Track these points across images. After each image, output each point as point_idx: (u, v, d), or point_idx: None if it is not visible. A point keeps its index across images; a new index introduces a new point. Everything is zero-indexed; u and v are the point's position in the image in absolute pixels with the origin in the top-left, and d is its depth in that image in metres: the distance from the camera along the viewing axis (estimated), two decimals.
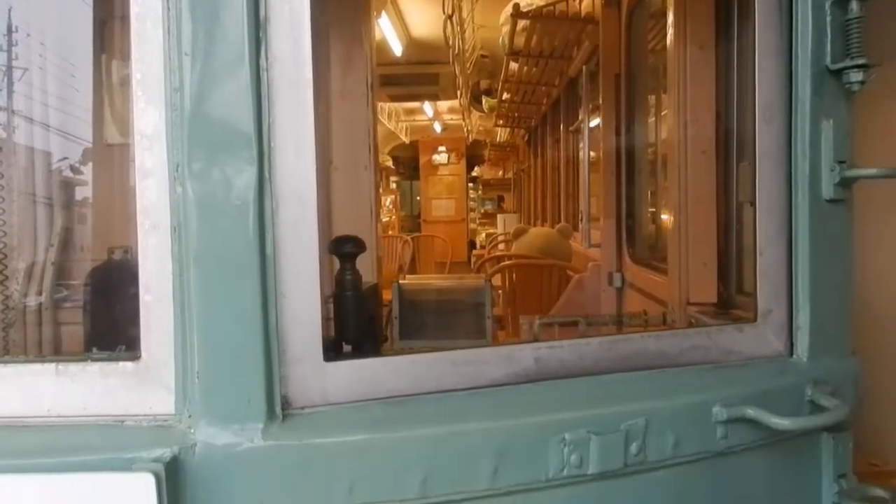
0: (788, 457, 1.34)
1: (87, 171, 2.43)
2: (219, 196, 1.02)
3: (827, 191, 1.32)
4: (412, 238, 9.24)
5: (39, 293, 2.06)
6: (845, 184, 1.31)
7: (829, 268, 1.36)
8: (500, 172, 15.11)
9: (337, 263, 1.40)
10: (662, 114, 3.04)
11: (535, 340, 1.28)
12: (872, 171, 1.30)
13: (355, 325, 1.33)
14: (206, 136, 1.01)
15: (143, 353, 1.03)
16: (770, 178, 1.36)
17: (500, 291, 4.35)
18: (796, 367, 1.36)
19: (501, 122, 9.15)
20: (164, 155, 1.02)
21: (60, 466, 0.95)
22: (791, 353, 1.38)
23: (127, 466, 0.95)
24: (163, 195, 1.02)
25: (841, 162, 1.31)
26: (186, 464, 0.98)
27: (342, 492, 1.02)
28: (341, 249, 1.34)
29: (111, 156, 2.10)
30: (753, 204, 1.40)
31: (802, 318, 1.37)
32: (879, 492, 1.35)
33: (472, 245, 11.89)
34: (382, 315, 1.73)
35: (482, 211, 14.59)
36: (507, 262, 4.38)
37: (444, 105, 10.25)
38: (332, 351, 1.13)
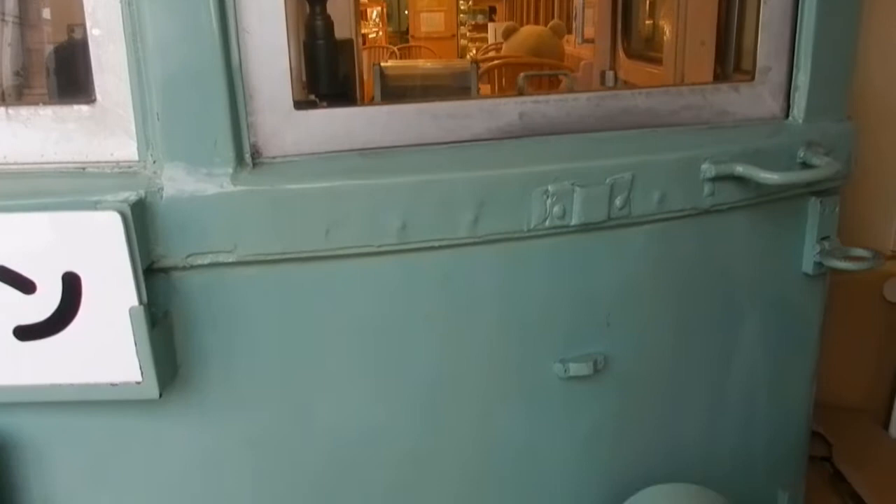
0: (774, 217, 1.33)
1: None
2: None
3: None
4: (399, 49, 8.83)
5: None
6: None
7: (836, 22, 1.27)
8: None
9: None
10: None
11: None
12: None
13: (328, 76, 1.24)
14: None
15: (98, 95, 0.96)
16: None
17: None
18: (791, 129, 1.31)
19: None
20: None
21: (22, 209, 0.91)
22: (787, 115, 1.33)
23: (91, 208, 0.91)
24: None
25: None
26: (154, 207, 0.95)
27: (318, 237, 1.00)
28: None
29: None
30: None
31: (802, 78, 1.30)
32: (861, 251, 1.35)
33: None
34: (359, 76, 1.64)
35: (472, 23, 13.88)
36: (495, 62, 4.19)
37: None
38: (305, 102, 1.06)
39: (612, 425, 1.30)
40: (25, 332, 0.95)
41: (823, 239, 1.39)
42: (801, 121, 1.31)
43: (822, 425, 2.14)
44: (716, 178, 1.19)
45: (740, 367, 1.42)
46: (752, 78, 1.30)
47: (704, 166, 1.18)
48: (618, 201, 1.13)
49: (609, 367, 1.24)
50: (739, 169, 1.18)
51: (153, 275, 0.98)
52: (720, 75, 2.04)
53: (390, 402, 1.14)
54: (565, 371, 1.20)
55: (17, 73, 1.74)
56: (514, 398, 1.21)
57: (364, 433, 1.15)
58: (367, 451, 1.15)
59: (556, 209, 1.10)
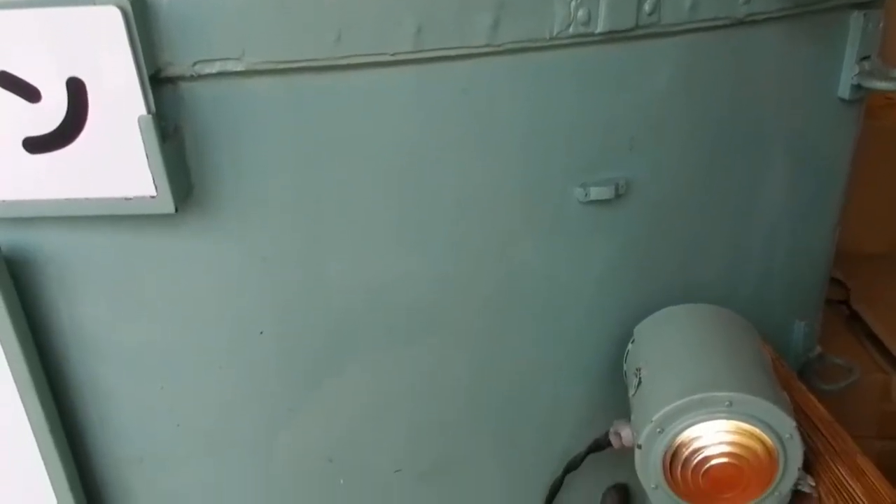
0: (811, 33, 1.25)
1: None
2: None
3: None
4: None
5: None
6: None
7: None
8: None
9: None
10: None
11: None
12: None
13: None
14: None
15: None
16: None
17: None
18: None
19: None
20: None
21: (15, 6, 0.87)
22: None
23: (90, 3, 0.86)
24: None
25: None
26: (156, 6, 0.89)
27: (329, 43, 0.95)
28: None
29: None
30: None
31: None
32: None
33: None
34: None
35: None
36: None
37: None
38: None
39: (633, 253, 1.29)
40: (35, 144, 0.93)
41: (864, 59, 1.31)
42: None
43: (842, 271, 2.14)
44: None
45: (765, 197, 1.39)
46: None
47: None
48: (647, 6, 1.06)
49: (631, 193, 1.21)
50: None
51: (161, 85, 0.94)
52: None
53: (408, 220, 1.13)
54: (586, 195, 1.18)
55: None
56: (534, 222, 1.20)
57: (382, 255, 1.14)
58: (386, 274, 1.16)
59: (580, 13, 1.03)
